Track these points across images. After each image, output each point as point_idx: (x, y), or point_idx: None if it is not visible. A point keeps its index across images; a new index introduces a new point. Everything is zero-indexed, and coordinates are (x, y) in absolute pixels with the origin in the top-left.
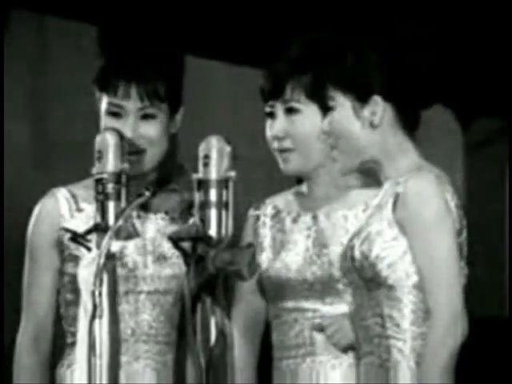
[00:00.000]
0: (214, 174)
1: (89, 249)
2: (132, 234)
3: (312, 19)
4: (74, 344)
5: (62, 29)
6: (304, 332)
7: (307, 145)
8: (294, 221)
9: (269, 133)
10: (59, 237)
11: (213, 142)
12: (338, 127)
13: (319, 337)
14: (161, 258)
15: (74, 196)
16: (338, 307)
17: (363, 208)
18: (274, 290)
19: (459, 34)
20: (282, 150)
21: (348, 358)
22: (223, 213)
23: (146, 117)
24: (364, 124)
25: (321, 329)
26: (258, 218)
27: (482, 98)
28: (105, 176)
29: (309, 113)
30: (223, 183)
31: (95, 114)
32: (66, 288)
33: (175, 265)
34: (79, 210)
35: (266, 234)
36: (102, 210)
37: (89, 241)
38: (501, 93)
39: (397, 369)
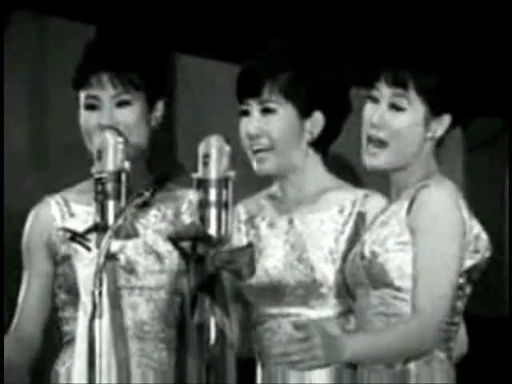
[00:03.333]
0: (213, 174)
1: (88, 248)
2: (131, 234)
3: (313, 19)
4: (69, 342)
5: (62, 29)
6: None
7: (284, 144)
8: (270, 226)
9: (243, 131)
10: (51, 240)
11: (212, 142)
12: (404, 127)
13: None
14: (152, 254)
15: (66, 200)
16: (322, 311)
17: (339, 209)
18: (256, 296)
19: (458, 33)
20: (257, 150)
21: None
22: (223, 212)
23: (121, 104)
24: (427, 133)
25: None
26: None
27: (482, 97)
28: (104, 175)
29: (285, 113)
30: (223, 182)
31: None
32: (62, 289)
33: (166, 260)
34: (71, 214)
35: (242, 240)
36: (102, 210)
37: (88, 240)
38: (501, 93)
39: (402, 369)
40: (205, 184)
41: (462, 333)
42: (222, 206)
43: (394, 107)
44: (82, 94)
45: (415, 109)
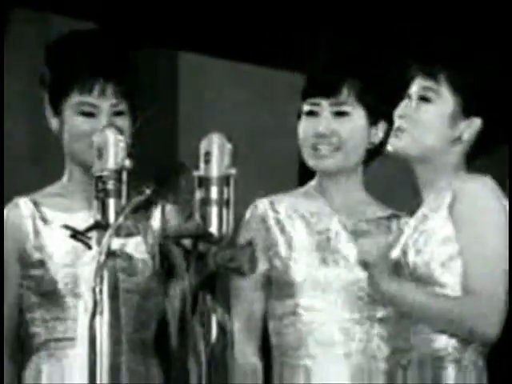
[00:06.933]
0: (214, 172)
1: (89, 246)
2: (133, 232)
3: (313, 17)
4: (44, 344)
5: (62, 28)
6: (302, 333)
7: (351, 146)
8: (308, 223)
9: (310, 131)
10: (23, 245)
11: (214, 140)
12: (425, 117)
13: (317, 338)
14: (125, 258)
15: (36, 204)
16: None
17: (373, 220)
18: (281, 289)
19: (458, 33)
20: (323, 148)
21: (346, 359)
22: (224, 210)
23: (117, 114)
24: (453, 132)
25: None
26: (267, 216)
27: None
28: (105, 173)
29: (357, 117)
30: (224, 180)
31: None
32: (31, 291)
33: (138, 263)
34: (43, 219)
35: (278, 234)
36: (103, 208)
37: (89, 238)
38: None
39: (441, 365)
40: (206, 182)
41: None
42: (224, 203)
43: (423, 99)
44: (75, 100)
45: (444, 103)
